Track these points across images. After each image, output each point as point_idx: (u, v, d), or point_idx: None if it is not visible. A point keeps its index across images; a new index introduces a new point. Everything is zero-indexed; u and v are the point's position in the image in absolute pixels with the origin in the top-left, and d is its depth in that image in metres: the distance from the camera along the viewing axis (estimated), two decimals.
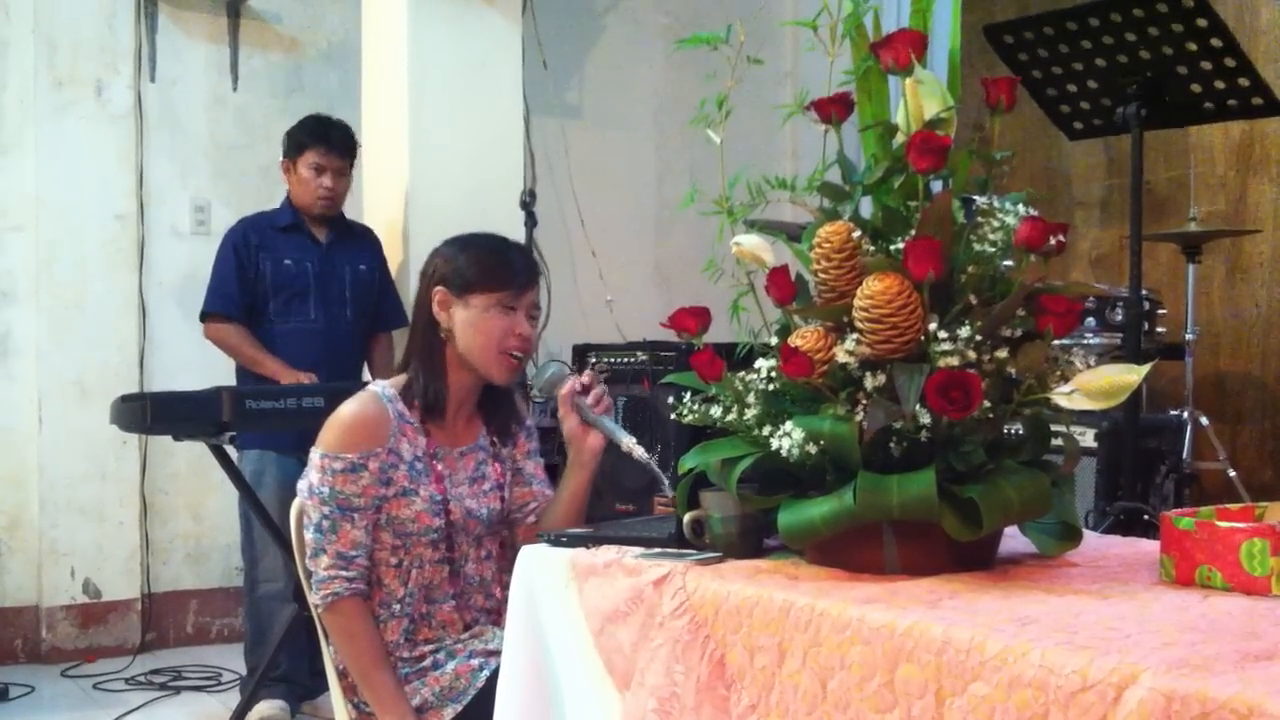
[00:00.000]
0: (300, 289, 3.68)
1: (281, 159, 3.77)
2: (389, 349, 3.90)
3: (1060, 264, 4.49)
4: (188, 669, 4.14)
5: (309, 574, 2.04)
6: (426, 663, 2.06)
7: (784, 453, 1.44)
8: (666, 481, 1.99)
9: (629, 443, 2.04)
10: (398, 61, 4.06)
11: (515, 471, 2.23)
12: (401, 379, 2.13)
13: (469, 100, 4.10)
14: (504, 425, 2.21)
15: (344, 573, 2.01)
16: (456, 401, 2.13)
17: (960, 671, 1.15)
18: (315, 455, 2.03)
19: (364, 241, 3.87)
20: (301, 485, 2.05)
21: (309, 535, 2.03)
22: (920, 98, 1.51)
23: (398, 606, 2.07)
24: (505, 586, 1.96)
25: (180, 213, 4.56)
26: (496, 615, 2.11)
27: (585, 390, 2.11)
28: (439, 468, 2.10)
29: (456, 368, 2.11)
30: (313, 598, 2.03)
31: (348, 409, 2.05)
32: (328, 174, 3.68)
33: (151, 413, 2.96)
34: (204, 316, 3.71)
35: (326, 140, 3.69)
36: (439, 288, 2.11)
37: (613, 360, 4.14)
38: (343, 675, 2.10)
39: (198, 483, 4.51)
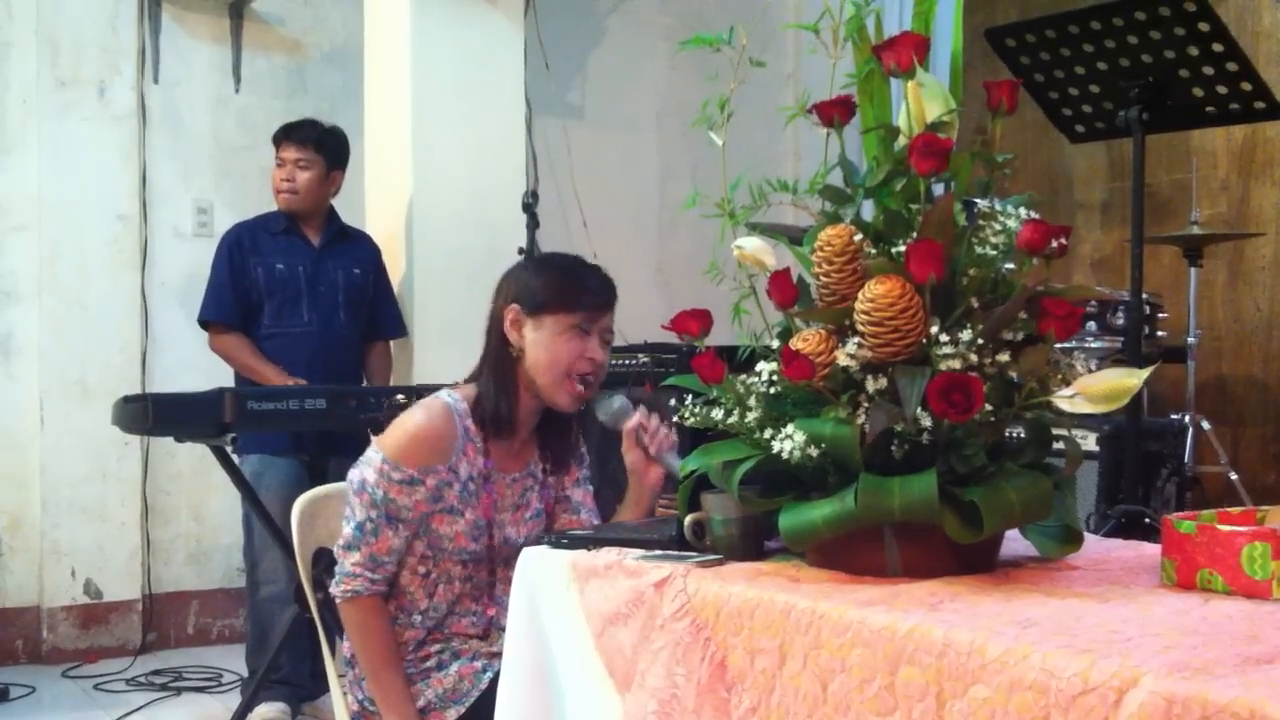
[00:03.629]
0: (293, 293, 3.68)
1: None
2: (386, 358, 3.90)
3: (1062, 267, 4.49)
4: (188, 670, 4.15)
5: (332, 562, 2.02)
6: (430, 663, 2.05)
7: (785, 455, 1.44)
8: None
9: None
10: (400, 63, 4.06)
11: (563, 499, 2.20)
12: (471, 390, 2.08)
13: (471, 101, 4.10)
14: (561, 456, 2.17)
15: (370, 574, 1.99)
16: (520, 422, 2.09)
17: (961, 674, 1.15)
18: (376, 456, 1.98)
19: (359, 246, 3.87)
20: (354, 475, 2.00)
21: (348, 529, 1.99)
22: (922, 100, 1.51)
23: (419, 618, 2.05)
24: None
25: (183, 214, 4.57)
26: None
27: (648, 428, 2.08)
28: (491, 491, 2.07)
29: (524, 388, 2.07)
30: (332, 587, 2.01)
31: (419, 418, 2.00)
32: (286, 166, 3.71)
33: (153, 414, 2.96)
34: (203, 324, 3.72)
35: (288, 134, 3.74)
36: (513, 305, 2.06)
37: (614, 362, 4.13)
38: (349, 665, 2.10)
39: (199, 483, 4.51)
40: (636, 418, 2.08)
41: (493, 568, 2.09)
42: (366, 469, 1.98)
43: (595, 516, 2.20)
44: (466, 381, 2.12)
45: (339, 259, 3.76)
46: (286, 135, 3.75)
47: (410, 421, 2.00)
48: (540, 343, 2.03)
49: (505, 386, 2.06)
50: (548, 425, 2.14)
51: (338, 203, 3.86)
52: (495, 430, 2.06)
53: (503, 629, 2.09)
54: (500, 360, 2.07)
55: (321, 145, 3.73)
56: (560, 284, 2.06)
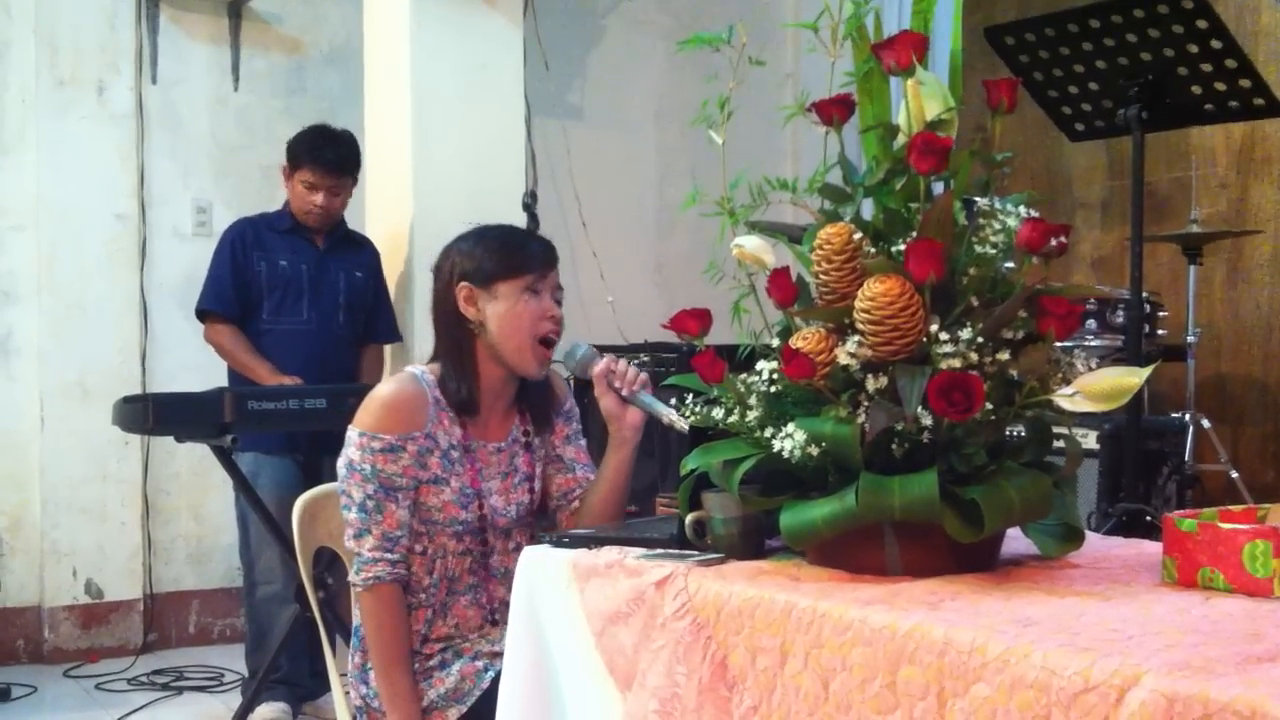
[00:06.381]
0: (295, 290, 3.68)
1: (284, 163, 3.75)
2: (379, 361, 3.90)
3: (1061, 266, 4.49)
4: (190, 669, 4.15)
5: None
6: (433, 663, 2.06)
7: (786, 454, 1.44)
8: None
9: (670, 415, 1.99)
10: (399, 63, 4.06)
11: (555, 459, 2.20)
12: (437, 367, 2.10)
13: (471, 101, 4.10)
14: (542, 413, 2.18)
15: (388, 555, 1.99)
16: (491, 395, 2.11)
17: (962, 673, 1.15)
18: (353, 434, 2.00)
19: (362, 250, 3.86)
20: (340, 463, 2.01)
21: (351, 514, 2.00)
22: (921, 99, 1.51)
23: (423, 595, 2.06)
24: None
25: (182, 213, 4.57)
26: None
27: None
28: (474, 461, 2.08)
29: (488, 361, 2.09)
30: (353, 578, 2.01)
31: (387, 388, 2.03)
32: (320, 193, 3.65)
33: (153, 414, 2.97)
34: (200, 314, 3.71)
35: (320, 159, 3.64)
36: (463, 283, 2.08)
37: None
38: (355, 663, 2.11)
39: (199, 483, 4.52)
40: (604, 363, 2.09)
41: (485, 538, 2.10)
42: (349, 450, 2.00)
43: (591, 472, 2.20)
44: (430, 362, 2.14)
45: (342, 262, 3.76)
46: (318, 160, 3.64)
47: (380, 392, 2.03)
48: (499, 312, 2.06)
49: (464, 367, 2.08)
50: (524, 390, 2.16)
51: None
52: (460, 410, 2.08)
53: (504, 620, 2.11)
54: (456, 340, 2.09)
55: (346, 166, 3.69)
56: (504, 251, 2.09)
